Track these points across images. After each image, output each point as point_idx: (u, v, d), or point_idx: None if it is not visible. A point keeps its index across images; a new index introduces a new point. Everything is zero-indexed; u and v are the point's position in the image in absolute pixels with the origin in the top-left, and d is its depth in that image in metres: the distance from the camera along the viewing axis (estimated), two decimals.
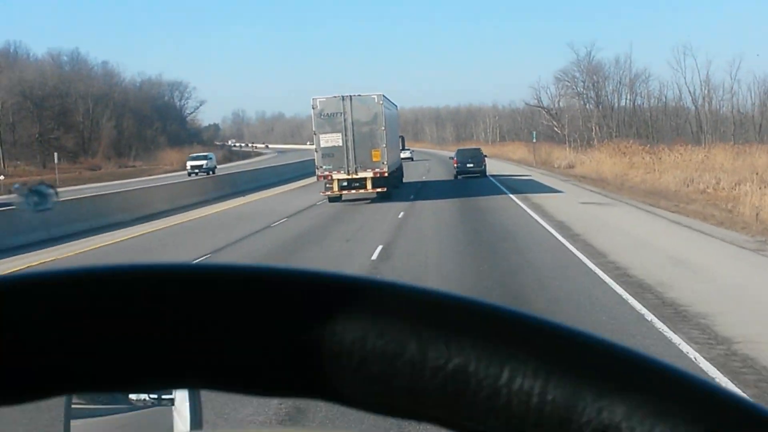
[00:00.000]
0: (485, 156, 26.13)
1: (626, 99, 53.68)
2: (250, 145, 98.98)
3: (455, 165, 25.39)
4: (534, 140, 37.56)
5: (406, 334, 0.20)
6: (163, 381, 0.21)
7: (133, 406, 0.72)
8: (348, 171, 15.72)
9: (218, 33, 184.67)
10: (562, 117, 59.46)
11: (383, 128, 15.86)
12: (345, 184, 15.87)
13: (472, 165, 24.84)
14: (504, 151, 52.61)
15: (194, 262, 0.22)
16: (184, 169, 42.03)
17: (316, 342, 0.20)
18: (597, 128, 48.98)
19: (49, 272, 0.21)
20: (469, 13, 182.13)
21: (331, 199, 16.16)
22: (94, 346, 0.20)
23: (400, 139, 22.39)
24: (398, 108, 23.92)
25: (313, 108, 15.86)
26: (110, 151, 54.62)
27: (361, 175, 15.76)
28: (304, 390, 0.21)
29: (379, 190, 15.96)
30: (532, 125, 72.02)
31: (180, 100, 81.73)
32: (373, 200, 16.03)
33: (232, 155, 69.97)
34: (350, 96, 15.75)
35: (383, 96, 16.21)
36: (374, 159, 15.72)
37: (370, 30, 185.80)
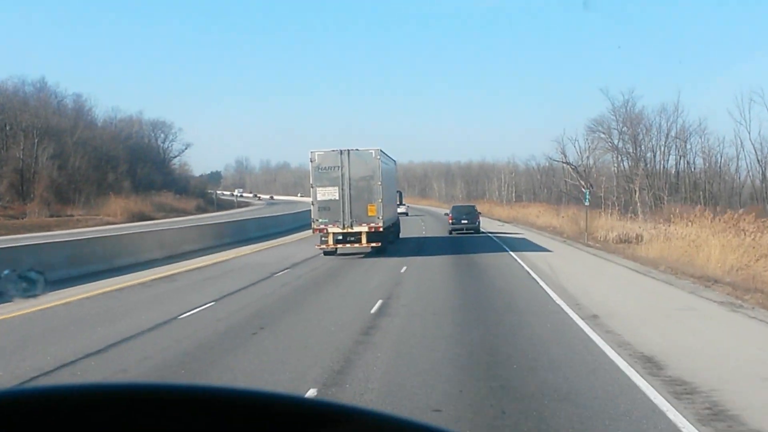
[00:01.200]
0: (479, 213, 32.15)
1: (676, 155, 51.46)
2: (236, 194, 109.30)
3: (450, 221, 30.42)
4: (586, 203, 30.53)
5: None
6: None
7: None
8: (344, 225, 19.00)
9: (225, 76, 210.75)
10: (591, 175, 58.97)
11: (380, 183, 19.24)
12: (340, 237, 19.10)
13: (466, 221, 30.09)
14: (525, 214, 49.85)
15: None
16: (132, 220, 44.99)
17: None
18: (639, 190, 46.34)
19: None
20: (480, 60, 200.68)
21: (326, 253, 19.40)
22: None
23: (398, 195, 26.54)
24: (398, 163, 27.76)
25: (311, 161, 19.38)
26: (51, 195, 52.95)
27: (356, 229, 19.02)
28: None
29: (373, 244, 19.20)
30: (553, 184, 76.82)
31: (163, 142, 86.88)
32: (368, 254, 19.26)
33: (208, 205, 72.84)
34: (348, 150, 19.22)
35: (381, 151, 19.69)
36: (370, 213, 19.02)
37: (380, 80, 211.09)
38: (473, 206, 33.91)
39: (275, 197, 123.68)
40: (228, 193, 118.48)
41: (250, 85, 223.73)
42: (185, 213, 63.35)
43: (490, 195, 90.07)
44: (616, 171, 54.89)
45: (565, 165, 66.63)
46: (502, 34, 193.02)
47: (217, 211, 68.26)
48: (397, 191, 26.78)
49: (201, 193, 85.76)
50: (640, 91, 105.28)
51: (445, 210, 37.90)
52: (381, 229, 19.33)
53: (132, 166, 71.83)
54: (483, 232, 30.42)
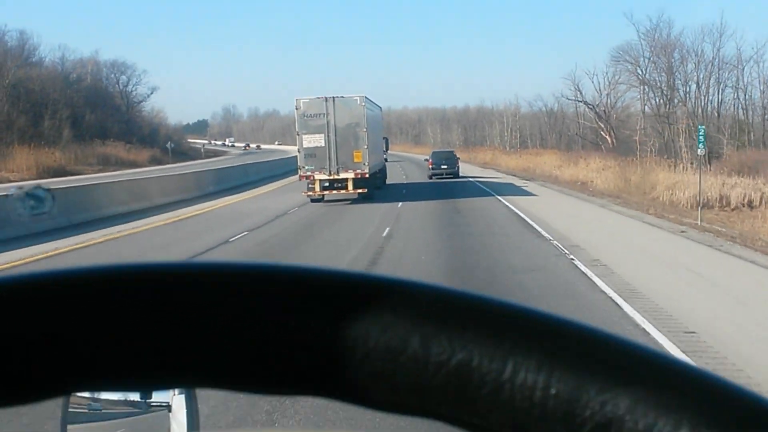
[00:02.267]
0: (458, 158, 38.26)
1: (718, 89, 47.00)
2: (227, 143, 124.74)
3: (430, 166, 36.50)
4: (700, 150, 20.99)
5: (409, 330, 0.28)
6: (169, 380, 0.30)
7: (130, 411, 0.96)
8: (330, 172, 23.04)
9: (216, 23, 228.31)
10: (611, 116, 57.59)
11: (365, 130, 23.21)
12: (327, 184, 23.13)
13: (446, 166, 36.51)
14: (538, 164, 47.41)
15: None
16: (43, 176, 44.21)
17: (319, 339, 0.28)
18: (686, 132, 42.87)
19: (40, 273, 0.29)
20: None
21: (313, 200, 23.44)
22: (93, 345, 0.28)
23: (384, 141, 30.93)
24: (391, 108, 33.88)
25: (296, 109, 23.20)
26: None
27: (342, 175, 23.07)
28: (309, 387, 0.29)
29: (360, 190, 23.28)
30: (564, 127, 79.20)
31: (126, 85, 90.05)
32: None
33: (164, 156, 73.87)
34: (333, 97, 23.09)
35: (366, 98, 23.62)
36: (356, 160, 23.06)
37: (374, 25, 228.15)
38: (452, 152, 41.08)
39: (260, 146, 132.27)
40: (203, 142, 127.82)
41: (238, 31, 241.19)
42: (135, 165, 64.83)
43: (490, 141, 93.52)
44: (644, 110, 52.21)
45: (579, 104, 65.94)
46: None
47: (179, 161, 70.94)
48: (384, 138, 31.21)
49: (173, 142, 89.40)
50: (671, 14, 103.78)
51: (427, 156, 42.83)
52: (367, 176, 23.44)
53: (77, 111, 73.03)
54: (500, 194, 25.91)
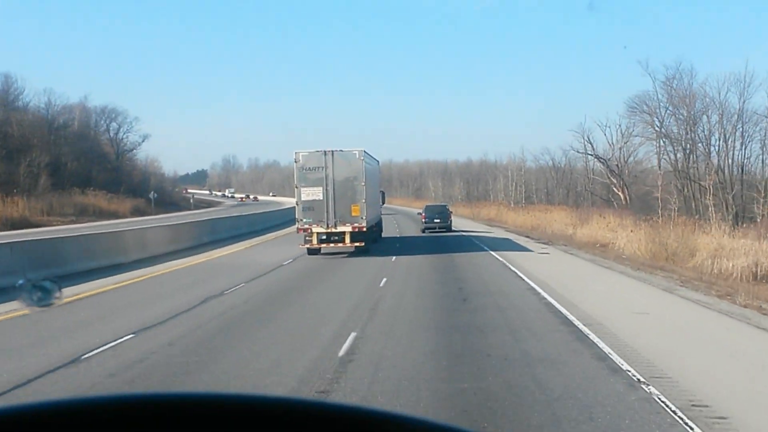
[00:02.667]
0: (451, 212, 41.74)
1: (743, 145, 45.17)
2: (227, 193, 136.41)
3: (423, 220, 39.80)
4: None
5: None
6: None
7: None
8: (327, 225, 24.47)
9: (216, 73, 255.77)
10: (624, 171, 56.81)
11: (363, 183, 24.70)
12: (324, 237, 24.56)
13: (438, 220, 39.55)
14: (548, 221, 46.02)
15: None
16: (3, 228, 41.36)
17: None
18: (712, 189, 41.41)
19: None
20: (478, 51, 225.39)
21: (310, 252, 24.87)
22: None
23: (381, 195, 32.70)
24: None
25: (295, 162, 24.77)
26: None
27: (340, 229, 24.48)
28: None
29: (357, 244, 24.69)
30: (571, 183, 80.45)
31: (116, 133, 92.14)
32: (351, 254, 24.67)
33: (149, 207, 74.42)
34: (332, 151, 24.65)
35: (364, 151, 25.18)
36: (353, 213, 24.52)
37: (374, 78, 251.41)
38: (445, 206, 45.21)
39: (257, 197, 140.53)
40: (204, 192, 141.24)
41: (240, 83, 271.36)
42: (115, 216, 65.59)
43: (494, 196, 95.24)
44: (661, 165, 51.18)
45: (590, 158, 66.26)
46: (502, 25, 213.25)
47: (166, 212, 71.92)
48: (380, 191, 33.06)
49: (164, 192, 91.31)
50: (689, 63, 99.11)
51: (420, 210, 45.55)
52: (365, 229, 24.88)
53: (59, 159, 74.02)
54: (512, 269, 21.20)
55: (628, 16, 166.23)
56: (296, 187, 24.96)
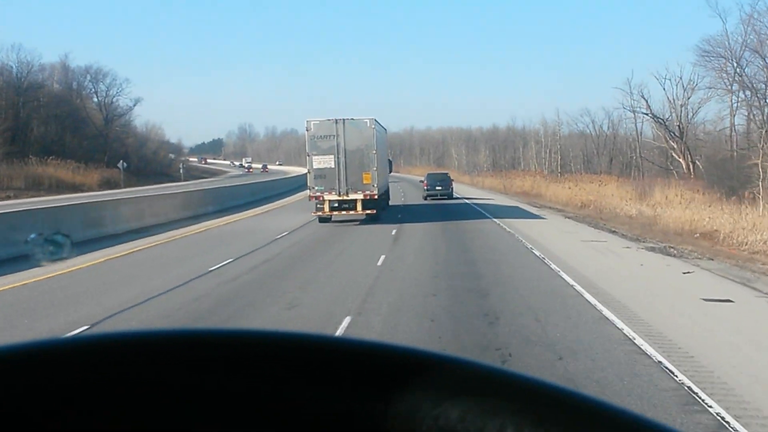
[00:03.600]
0: (452, 180, 52.50)
1: None
2: (245, 163, 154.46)
3: (425, 187, 48.67)
4: None
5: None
6: None
7: None
8: (339, 192, 29.17)
9: (234, 40, 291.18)
10: (688, 133, 54.48)
11: (374, 151, 29.33)
12: (336, 205, 29.25)
13: (440, 188, 49.28)
14: (603, 196, 42.56)
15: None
16: None
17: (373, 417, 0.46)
18: None
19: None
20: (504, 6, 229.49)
21: (321, 220, 29.66)
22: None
23: (389, 163, 37.85)
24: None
25: (307, 130, 29.39)
26: None
27: (351, 196, 29.19)
28: None
29: (368, 211, 29.42)
30: (615, 151, 79.72)
31: (104, 96, 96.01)
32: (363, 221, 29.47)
33: (133, 178, 77.09)
34: (343, 119, 29.24)
35: (375, 120, 29.82)
36: (365, 181, 29.19)
37: (397, 44, 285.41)
38: (446, 174, 55.66)
39: (266, 167, 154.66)
40: (193, 160, 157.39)
41: (258, 48, 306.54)
42: (79, 190, 65.45)
43: (525, 164, 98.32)
44: (734, 127, 49.12)
45: (641, 119, 63.94)
46: None
47: (142, 184, 73.73)
48: (388, 159, 38.20)
49: (154, 162, 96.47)
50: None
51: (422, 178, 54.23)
52: (376, 197, 29.63)
53: (26, 123, 77.62)
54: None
55: None
56: (308, 156, 29.72)
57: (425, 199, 48.90)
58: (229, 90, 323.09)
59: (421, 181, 53.49)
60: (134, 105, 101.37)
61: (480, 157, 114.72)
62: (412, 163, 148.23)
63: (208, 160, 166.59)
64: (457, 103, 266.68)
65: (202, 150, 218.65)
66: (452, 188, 50.90)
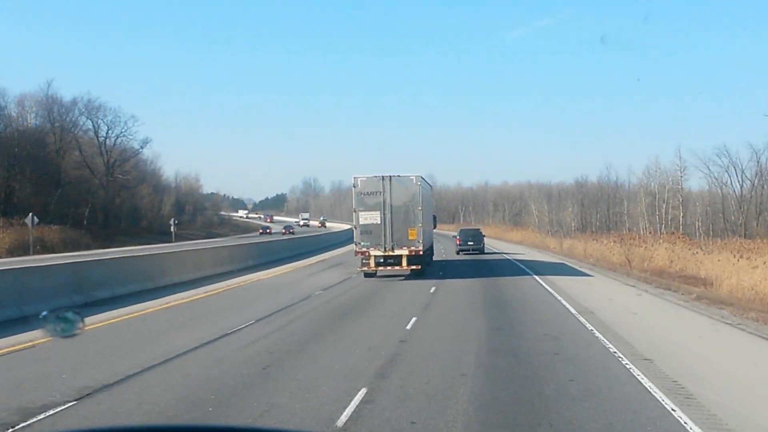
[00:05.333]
0: (484, 236, 73.45)
1: None
2: (300, 221, 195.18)
3: (457, 243, 66.80)
4: None
5: None
6: None
7: None
8: (385, 248, 39.83)
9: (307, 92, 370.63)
10: None
11: (420, 208, 40.02)
12: (381, 260, 39.94)
13: (472, 243, 69.30)
14: None
15: None
16: None
17: None
18: None
19: None
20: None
21: (367, 275, 40.56)
22: None
23: (433, 219, 50.52)
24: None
25: (354, 186, 40.42)
26: None
27: (397, 252, 39.89)
28: None
29: (413, 267, 40.19)
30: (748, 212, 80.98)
31: (105, 136, 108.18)
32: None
33: (87, 237, 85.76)
34: (390, 176, 40.00)
35: (421, 177, 40.66)
36: (410, 237, 39.89)
37: (468, 99, 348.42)
38: (478, 229, 77.35)
39: (325, 222, 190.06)
40: (241, 215, 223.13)
41: (332, 99, 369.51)
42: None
43: (630, 225, 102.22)
44: None
45: None
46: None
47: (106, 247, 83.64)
48: (433, 215, 50.20)
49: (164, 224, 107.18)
50: None
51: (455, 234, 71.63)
52: (421, 252, 40.49)
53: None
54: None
55: None
56: (354, 211, 40.63)
57: (458, 253, 67.58)
58: (295, 145, 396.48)
59: (454, 237, 75.46)
60: (141, 149, 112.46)
61: (566, 215, 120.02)
62: (484, 221, 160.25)
63: (250, 215, 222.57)
64: (537, 156, 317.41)
65: (265, 206, 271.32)
66: (484, 243, 71.07)
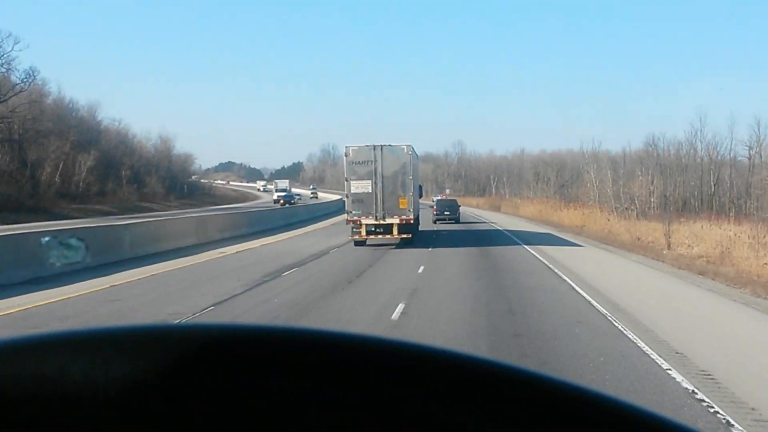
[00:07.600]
0: (460, 206, 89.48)
1: None
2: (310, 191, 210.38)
3: (434, 212, 79.25)
4: None
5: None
6: None
7: None
8: (376, 217, 44.31)
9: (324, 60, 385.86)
10: None
11: (411, 177, 44.38)
12: (372, 229, 44.41)
13: (448, 213, 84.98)
14: None
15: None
16: None
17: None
18: None
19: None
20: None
21: (357, 243, 45.11)
22: None
23: (419, 188, 53.84)
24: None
25: (345, 155, 44.88)
26: None
27: (388, 221, 44.36)
28: None
29: (404, 235, 44.77)
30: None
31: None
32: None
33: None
34: (381, 145, 44.25)
35: (411, 146, 44.81)
36: (401, 206, 44.39)
37: (494, 67, 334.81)
38: (454, 200, 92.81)
39: (316, 193, 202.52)
40: (221, 183, 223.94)
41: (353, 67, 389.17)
42: None
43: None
44: None
45: None
46: None
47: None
48: (419, 185, 53.75)
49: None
50: None
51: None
52: (412, 221, 44.71)
53: None
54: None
55: None
56: (346, 180, 45.13)
57: (434, 223, 79.37)
58: (314, 111, 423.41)
59: (431, 207, 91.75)
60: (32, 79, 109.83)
61: (636, 185, 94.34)
62: (522, 193, 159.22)
63: (231, 182, 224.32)
64: (582, 122, 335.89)
65: (281, 175, 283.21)
66: (459, 213, 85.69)
